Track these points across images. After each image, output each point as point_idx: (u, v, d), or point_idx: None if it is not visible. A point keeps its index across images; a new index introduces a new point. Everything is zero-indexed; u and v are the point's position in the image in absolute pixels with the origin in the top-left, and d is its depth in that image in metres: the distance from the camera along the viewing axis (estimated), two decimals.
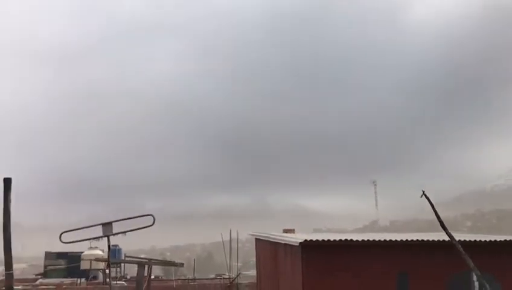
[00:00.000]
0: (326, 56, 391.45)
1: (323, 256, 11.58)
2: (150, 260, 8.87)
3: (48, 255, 32.77)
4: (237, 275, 25.46)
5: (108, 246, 7.55)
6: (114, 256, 32.24)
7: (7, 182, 7.46)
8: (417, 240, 12.18)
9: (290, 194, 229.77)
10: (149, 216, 7.73)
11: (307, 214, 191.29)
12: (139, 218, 7.85)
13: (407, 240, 12.04)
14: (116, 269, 32.63)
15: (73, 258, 31.19)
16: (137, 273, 7.90)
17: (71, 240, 7.82)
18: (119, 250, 34.23)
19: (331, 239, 11.61)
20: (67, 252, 31.80)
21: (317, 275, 11.41)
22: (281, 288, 14.29)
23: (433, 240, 12.00)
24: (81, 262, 26.65)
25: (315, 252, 11.49)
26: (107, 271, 30.07)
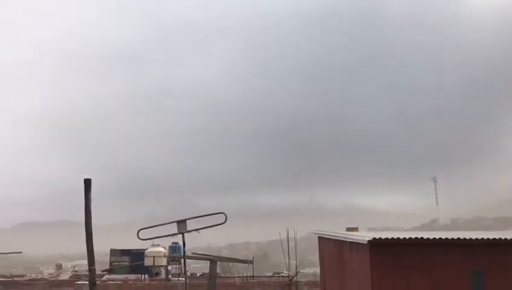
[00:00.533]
0: (381, 55, 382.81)
1: (392, 254, 11.26)
2: (219, 257, 8.92)
3: (113, 252, 34.18)
4: (296, 273, 25.34)
5: (183, 243, 7.72)
6: (175, 253, 33.22)
7: (87, 182, 7.86)
8: (494, 238, 11.57)
9: (345, 192, 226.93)
10: (221, 214, 7.82)
11: (361, 212, 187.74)
12: (211, 216, 7.97)
13: (483, 238, 11.46)
14: (178, 266, 33.60)
15: (137, 255, 32.41)
16: (210, 270, 8.02)
17: (147, 237, 8.08)
18: (180, 247, 35.19)
19: (401, 237, 11.26)
20: (130, 249, 33.07)
21: (386, 273, 11.10)
22: (347, 287, 14.05)
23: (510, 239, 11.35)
24: (145, 259, 27.55)
25: (384, 250, 11.19)
26: (169, 268, 31.07)
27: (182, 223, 7.72)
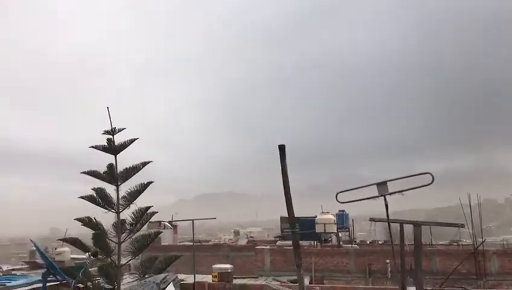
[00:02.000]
0: None
1: None
2: (425, 221, 8.25)
3: (283, 219, 35.77)
4: (482, 242, 22.89)
5: (386, 206, 7.23)
6: (341, 221, 33.19)
7: (282, 148, 7.93)
8: None
9: None
10: (427, 174, 7.09)
11: None
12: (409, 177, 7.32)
13: None
14: (346, 233, 33.59)
15: (305, 223, 33.42)
16: (414, 235, 7.36)
17: (347, 200, 7.83)
18: (347, 215, 35.06)
19: None
20: (299, 217, 34.21)
21: None
22: None
23: None
24: (316, 226, 28.03)
25: None
26: (340, 234, 31.20)
27: (382, 185, 7.24)
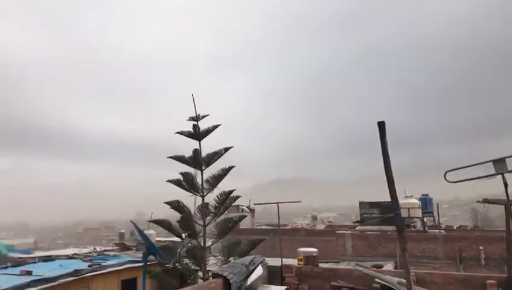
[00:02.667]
0: None
1: None
2: None
3: (362, 204, 34.79)
4: None
5: (505, 184, 6.52)
6: (425, 206, 31.56)
7: (381, 125, 7.47)
8: None
9: None
10: None
11: None
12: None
13: None
14: (430, 218, 31.93)
15: (386, 207, 32.21)
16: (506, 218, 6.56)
17: (457, 180, 7.21)
18: (430, 199, 33.30)
19: None
20: (380, 202, 33.09)
21: None
22: None
23: None
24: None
25: None
26: (425, 219, 29.69)
27: (500, 163, 6.52)
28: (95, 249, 34.49)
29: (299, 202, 19.77)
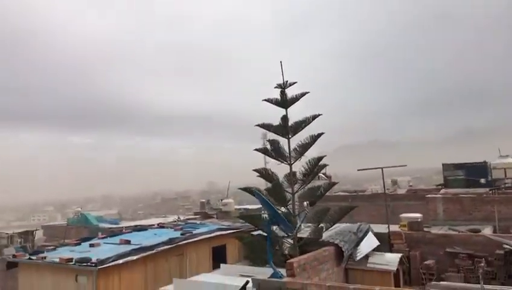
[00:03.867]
0: None
1: None
2: None
3: (446, 166, 33.05)
4: None
5: None
6: None
7: None
8: None
9: None
10: None
11: None
12: None
13: None
14: None
15: (472, 169, 30.37)
16: None
17: None
18: None
19: None
20: (464, 163, 31.28)
21: None
22: None
23: None
24: (492, 171, 25.11)
25: None
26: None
27: None
28: (179, 218, 35.96)
29: (405, 166, 18.95)
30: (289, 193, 15.77)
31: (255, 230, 19.11)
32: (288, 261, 7.04)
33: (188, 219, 33.83)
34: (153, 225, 26.89)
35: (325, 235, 11.79)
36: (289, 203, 15.60)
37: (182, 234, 17.73)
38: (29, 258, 16.03)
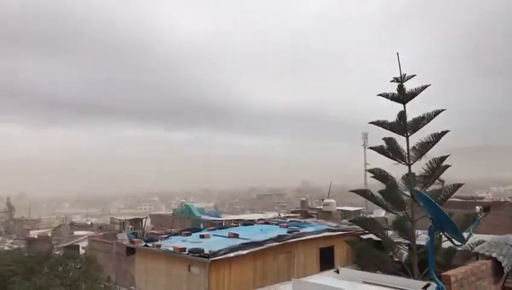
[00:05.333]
0: None
1: None
2: None
3: None
4: None
5: None
6: None
7: None
8: None
9: None
10: None
11: None
12: None
13: None
14: None
15: None
16: None
17: None
18: None
19: None
20: None
21: None
22: None
23: None
24: None
25: None
26: None
27: None
28: (279, 215, 35.98)
29: None
30: (407, 195, 14.67)
31: (364, 234, 18.22)
32: (444, 273, 6.23)
33: (288, 217, 33.66)
34: (253, 220, 27.12)
35: (479, 247, 10.47)
36: (407, 207, 14.50)
37: (288, 232, 17.45)
38: (145, 245, 16.89)
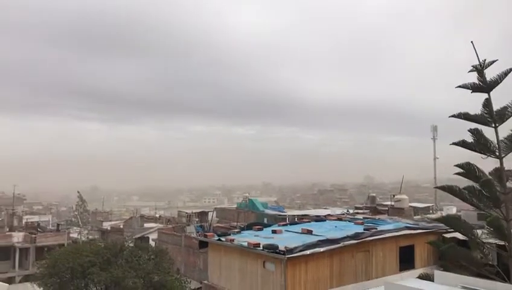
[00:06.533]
0: None
1: None
2: None
3: None
4: None
5: None
6: None
7: None
8: None
9: None
10: None
11: None
12: None
13: None
14: None
15: None
16: None
17: None
18: None
19: None
20: None
21: None
22: None
23: None
24: None
25: None
26: None
27: None
28: (348, 211, 34.99)
29: None
30: (500, 192, 13.42)
31: (447, 232, 17.05)
32: None
33: (357, 213, 32.59)
34: (319, 216, 26.44)
35: None
36: (502, 205, 13.26)
37: (365, 229, 16.63)
38: (219, 239, 16.82)
